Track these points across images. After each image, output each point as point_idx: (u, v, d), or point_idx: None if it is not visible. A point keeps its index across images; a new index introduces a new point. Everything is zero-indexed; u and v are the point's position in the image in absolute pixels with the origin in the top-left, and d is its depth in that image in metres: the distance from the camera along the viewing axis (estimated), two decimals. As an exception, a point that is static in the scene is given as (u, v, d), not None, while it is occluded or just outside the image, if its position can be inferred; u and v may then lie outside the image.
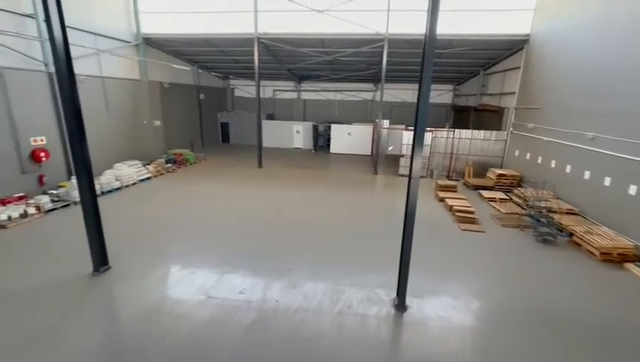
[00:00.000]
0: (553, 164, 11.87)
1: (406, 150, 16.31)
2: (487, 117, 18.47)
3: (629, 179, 8.57)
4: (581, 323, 5.76)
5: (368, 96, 25.27)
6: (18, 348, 4.87)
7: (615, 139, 9.09)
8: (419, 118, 5.17)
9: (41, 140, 11.47)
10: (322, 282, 6.80)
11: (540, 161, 12.77)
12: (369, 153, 22.42)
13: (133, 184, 13.50)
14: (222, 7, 15.81)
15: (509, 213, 11.07)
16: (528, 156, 13.65)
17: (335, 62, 19.72)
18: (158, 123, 17.70)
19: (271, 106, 26.40)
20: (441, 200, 12.36)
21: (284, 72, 22.36)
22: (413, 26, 14.53)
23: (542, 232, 9.15)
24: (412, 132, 17.46)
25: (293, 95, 26.26)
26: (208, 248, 8.22)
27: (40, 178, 11.45)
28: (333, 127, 22.78)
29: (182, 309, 5.85)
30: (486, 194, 13.03)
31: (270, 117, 25.92)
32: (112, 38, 14.65)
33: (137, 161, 14.67)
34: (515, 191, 12.98)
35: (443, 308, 6.07)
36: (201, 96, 22.45)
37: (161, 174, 15.31)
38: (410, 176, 5.45)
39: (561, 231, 9.17)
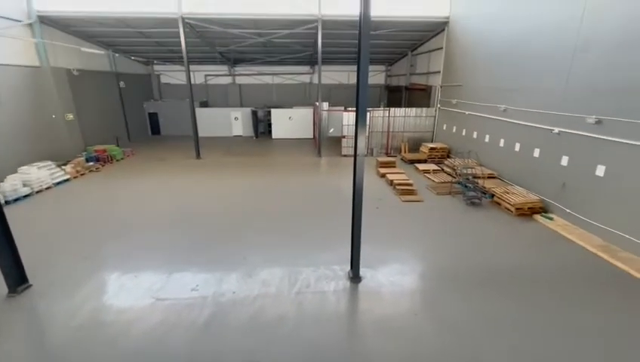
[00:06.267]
0: (475, 135, 13.31)
1: (347, 131, 16.77)
2: (417, 95, 19.80)
3: (533, 143, 10.03)
4: (507, 272, 6.72)
5: (306, 78, 25.15)
6: None
7: (521, 110, 10.50)
8: (360, 99, 5.32)
9: None
10: (278, 267, 6.81)
11: (464, 133, 14.20)
12: (312, 136, 22.57)
13: (48, 188, 11.72)
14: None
15: (442, 182, 12.21)
16: (454, 129, 15.08)
17: (269, 44, 19.10)
18: (70, 116, 15.42)
19: (204, 93, 24.76)
20: (383, 175, 13.09)
21: (215, 55, 20.99)
22: (346, 7, 14.65)
23: (469, 196, 10.31)
24: (352, 113, 17.92)
25: (228, 80, 24.94)
26: (151, 248, 7.61)
27: None
28: (273, 111, 22.31)
29: (127, 317, 5.38)
30: (421, 167, 14.13)
31: (204, 104, 24.35)
32: (-4, 16, 12.13)
33: (49, 162, 12.70)
34: (446, 161, 14.31)
35: (393, 274, 6.56)
36: (122, 83, 20.06)
37: (82, 174, 13.52)
38: (355, 155, 5.64)
39: (484, 193, 10.43)
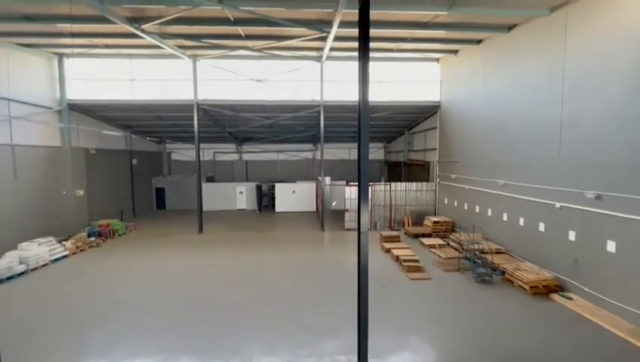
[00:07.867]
0: (477, 208, 13.36)
1: (349, 205, 16.93)
2: (416, 170, 20.51)
3: (537, 217, 9.99)
4: (528, 359, 6.04)
5: (309, 155, 26.47)
6: None
7: (520, 185, 10.73)
8: (361, 175, 5.52)
9: None
10: (278, 357, 6.18)
11: (466, 206, 14.29)
12: (314, 209, 22.71)
13: (44, 265, 11.42)
14: (161, 75, 15.99)
15: (449, 258, 11.80)
16: (456, 203, 15.21)
17: (275, 125, 20.64)
18: (81, 192, 15.89)
19: (211, 168, 25.85)
20: (387, 251, 12.75)
21: (225, 134, 22.55)
22: (345, 94, 16.29)
23: (479, 273, 9.85)
24: (354, 187, 18.24)
25: (235, 156, 26.28)
26: (141, 334, 7.03)
27: None
28: (277, 186, 22.93)
29: (105, 422, 4.71)
30: (426, 241, 13.85)
31: (211, 179, 25.21)
32: (29, 104, 13.47)
33: (51, 238, 12.62)
34: (451, 236, 14.07)
35: (405, 366, 5.89)
36: (134, 161, 21.14)
37: (82, 250, 13.30)
38: (359, 233, 5.58)
39: (495, 270, 10.00)
